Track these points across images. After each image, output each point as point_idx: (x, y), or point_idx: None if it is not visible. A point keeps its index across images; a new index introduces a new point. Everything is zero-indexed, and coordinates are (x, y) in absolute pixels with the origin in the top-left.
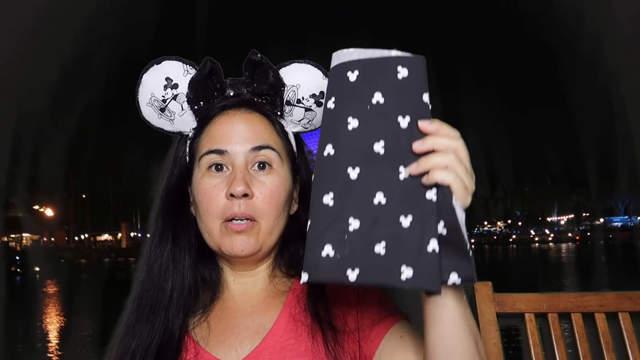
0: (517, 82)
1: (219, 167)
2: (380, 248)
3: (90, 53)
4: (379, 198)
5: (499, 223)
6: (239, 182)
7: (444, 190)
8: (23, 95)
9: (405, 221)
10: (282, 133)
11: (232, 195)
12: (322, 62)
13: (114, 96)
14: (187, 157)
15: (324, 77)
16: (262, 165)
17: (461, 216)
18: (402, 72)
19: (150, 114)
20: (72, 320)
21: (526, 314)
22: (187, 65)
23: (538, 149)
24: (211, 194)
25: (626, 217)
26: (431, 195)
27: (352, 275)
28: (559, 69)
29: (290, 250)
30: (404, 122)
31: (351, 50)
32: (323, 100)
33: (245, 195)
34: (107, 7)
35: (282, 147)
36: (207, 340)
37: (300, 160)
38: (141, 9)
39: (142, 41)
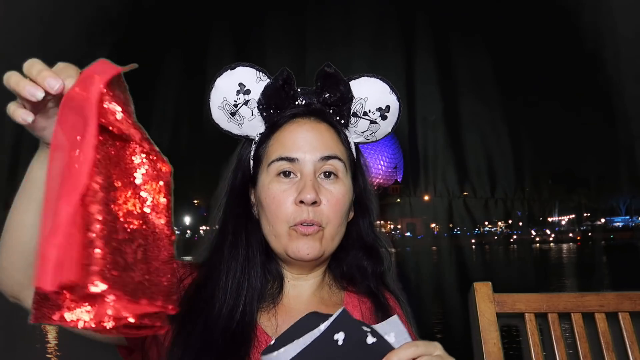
0: (518, 82)
1: (287, 174)
2: None
3: (89, 51)
4: None
5: (499, 223)
6: (309, 189)
7: None
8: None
9: None
10: (346, 143)
11: (301, 202)
12: (320, 35)
13: None
14: (252, 161)
15: (391, 92)
16: (329, 174)
17: None
18: (339, 337)
19: (220, 117)
20: None
21: (526, 314)
22: (260, 73)
23: (538, 149)
24: (280, 199)
25: (627, 217)
26: None
27: None
28: (560, 69)
29: (347, 259)
30: None
31: (281, 351)
32: (388, 114)
33: (314, 202)
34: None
35: (346, 157)
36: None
37: (358, 170)
38: None
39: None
